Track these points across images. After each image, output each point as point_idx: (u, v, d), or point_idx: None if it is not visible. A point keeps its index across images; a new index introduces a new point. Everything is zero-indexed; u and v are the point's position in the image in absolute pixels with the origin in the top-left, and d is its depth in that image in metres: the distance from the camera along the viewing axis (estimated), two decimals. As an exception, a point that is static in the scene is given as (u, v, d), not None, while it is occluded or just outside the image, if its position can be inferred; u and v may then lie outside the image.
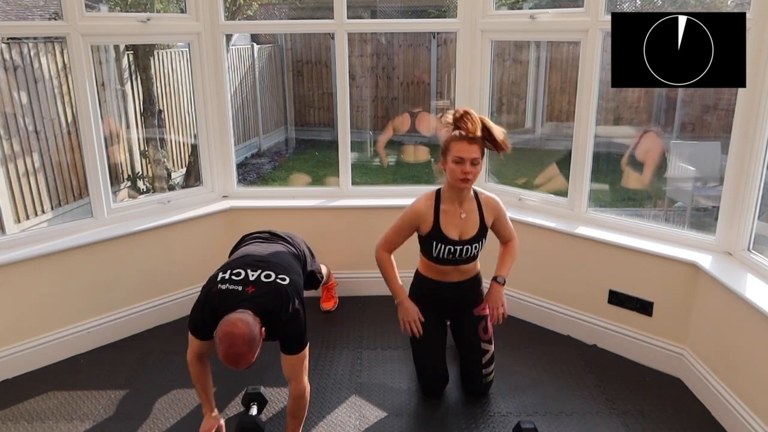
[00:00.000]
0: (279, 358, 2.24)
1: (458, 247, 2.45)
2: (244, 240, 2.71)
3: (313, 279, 2.85)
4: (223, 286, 2.19)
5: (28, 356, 2.86)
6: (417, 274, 2.67)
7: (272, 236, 2.68)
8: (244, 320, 2.00)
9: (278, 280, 2.22)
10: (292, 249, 2.63)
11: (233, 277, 2.21)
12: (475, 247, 2.48)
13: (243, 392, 2.58)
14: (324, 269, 3.17)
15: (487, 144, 2.37)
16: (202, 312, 2.20)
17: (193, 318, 2.24)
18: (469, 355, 2.63)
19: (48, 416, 2.55)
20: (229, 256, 2.60)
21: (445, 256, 2.47)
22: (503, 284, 2.56)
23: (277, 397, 2.66)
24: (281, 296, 2.18)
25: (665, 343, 2.83)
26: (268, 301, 2.15)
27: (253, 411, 2.48)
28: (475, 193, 2.52)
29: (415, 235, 2.55)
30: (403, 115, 8.07)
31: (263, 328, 2.09)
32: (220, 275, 2.25)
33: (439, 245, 2.44)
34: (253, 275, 2.22)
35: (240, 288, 2.17)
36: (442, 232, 2.44)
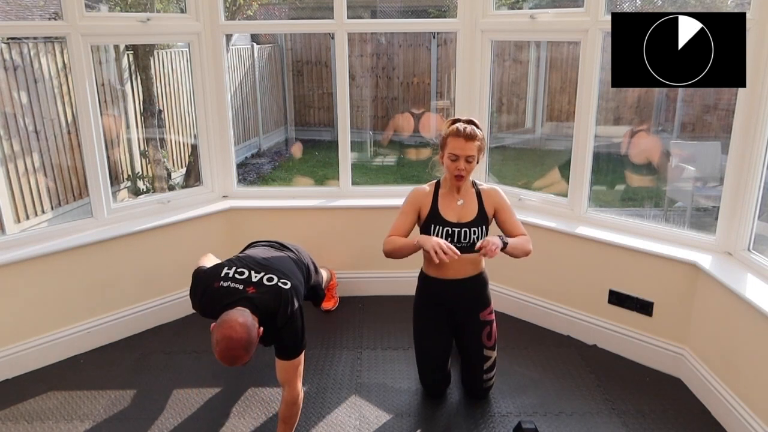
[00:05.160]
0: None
1: (456, 230, 2.45)
2: (252, 245, 2.72)
3: (314, 294, 2.84)
4: (225, 284, 2.21)
5: (28, 356, 2.86)
6: (420, 275, 2.64)
7: (279, 245, 2.69)
8: (242, 323, 2.00)
9: (280, 284, 2.24)
10: (297, 259, 2.63)
11: (236, 276, 2.24)
12: (474, 232, 2.46)
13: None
14: (324, 273, 3.17)
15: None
16: (201, 298, 2.27)
17: (196, 305, 2.32)
18: (471, 360, 2.62)
19: (48, 416, 2.55)
20: None
21: (444, 239, 2.42)
22: (504, 244, 2.38)
23: (276, 398, 2.65)
24: (280, 297, 2.20)
25: (665, 343, 2.83)
26: (267, 300, 2.17)
27: None
28: (475, 184, 2.56)
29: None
30: (404, 115, 8.08)
31: (261, 328, 2.09)
32: (224, 271, 2.27)
33: (437, 228, 2.46)
34: (256, 277, 2.24)
35: (241, 287, 2.19)
36: (440, 213, 2.48)
